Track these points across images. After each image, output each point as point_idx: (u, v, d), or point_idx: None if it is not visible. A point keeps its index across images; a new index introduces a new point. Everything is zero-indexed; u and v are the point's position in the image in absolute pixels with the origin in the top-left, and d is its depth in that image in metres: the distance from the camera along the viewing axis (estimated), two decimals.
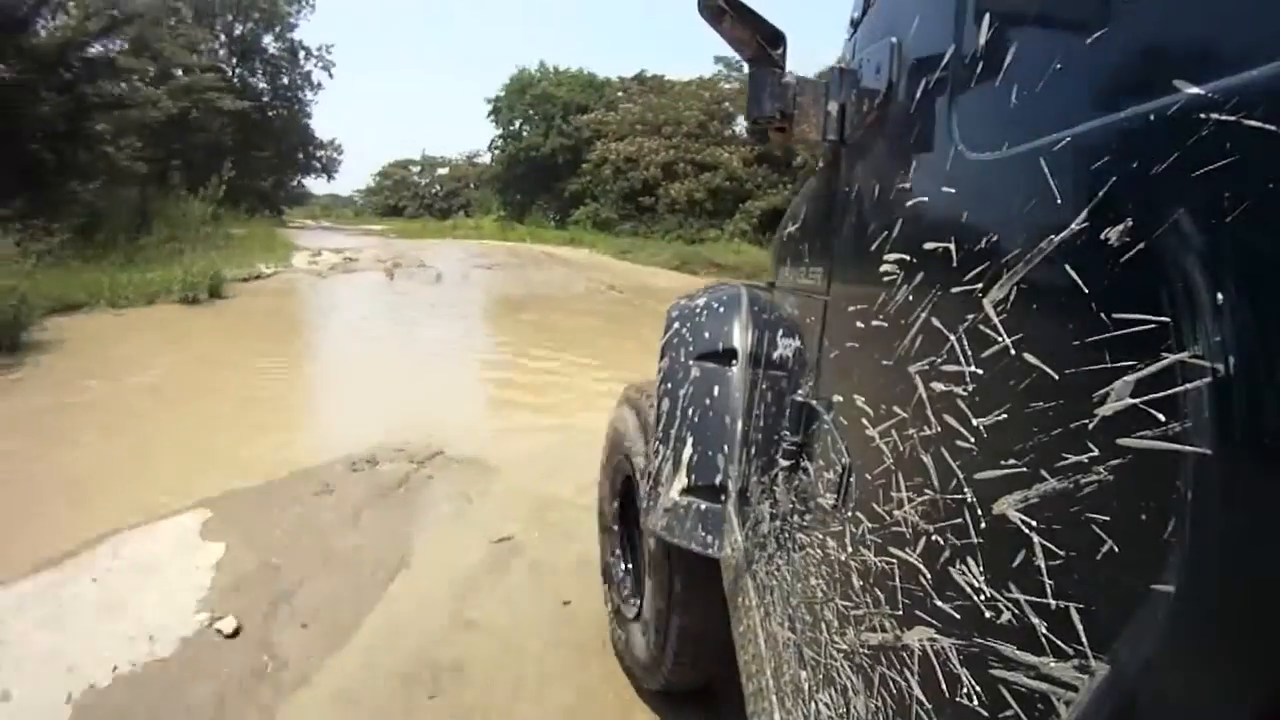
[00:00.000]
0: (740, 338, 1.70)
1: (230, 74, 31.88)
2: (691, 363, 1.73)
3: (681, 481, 1.64)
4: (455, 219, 42.12)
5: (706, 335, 1.74)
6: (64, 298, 8.75)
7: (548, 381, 6.32)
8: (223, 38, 33.08)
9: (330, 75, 49.28)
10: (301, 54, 36.45)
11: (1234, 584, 0.40)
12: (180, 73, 20.19)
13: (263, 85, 35.28)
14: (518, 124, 36.48)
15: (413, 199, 55.78)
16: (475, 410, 5.51)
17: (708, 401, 1.66)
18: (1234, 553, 0.40)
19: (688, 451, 1.64)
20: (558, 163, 33.30)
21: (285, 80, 36.45)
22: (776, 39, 1.21)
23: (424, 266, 16.71)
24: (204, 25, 29.36)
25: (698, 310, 1.82)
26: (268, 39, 35.06)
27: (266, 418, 4.97)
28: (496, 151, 39.02)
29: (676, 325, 1.81)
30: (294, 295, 11.87)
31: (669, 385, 1.73)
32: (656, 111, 28.62)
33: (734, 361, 1.68)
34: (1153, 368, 0.45)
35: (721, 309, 1.79)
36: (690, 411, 1.67)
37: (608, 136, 30.04)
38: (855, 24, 1.24)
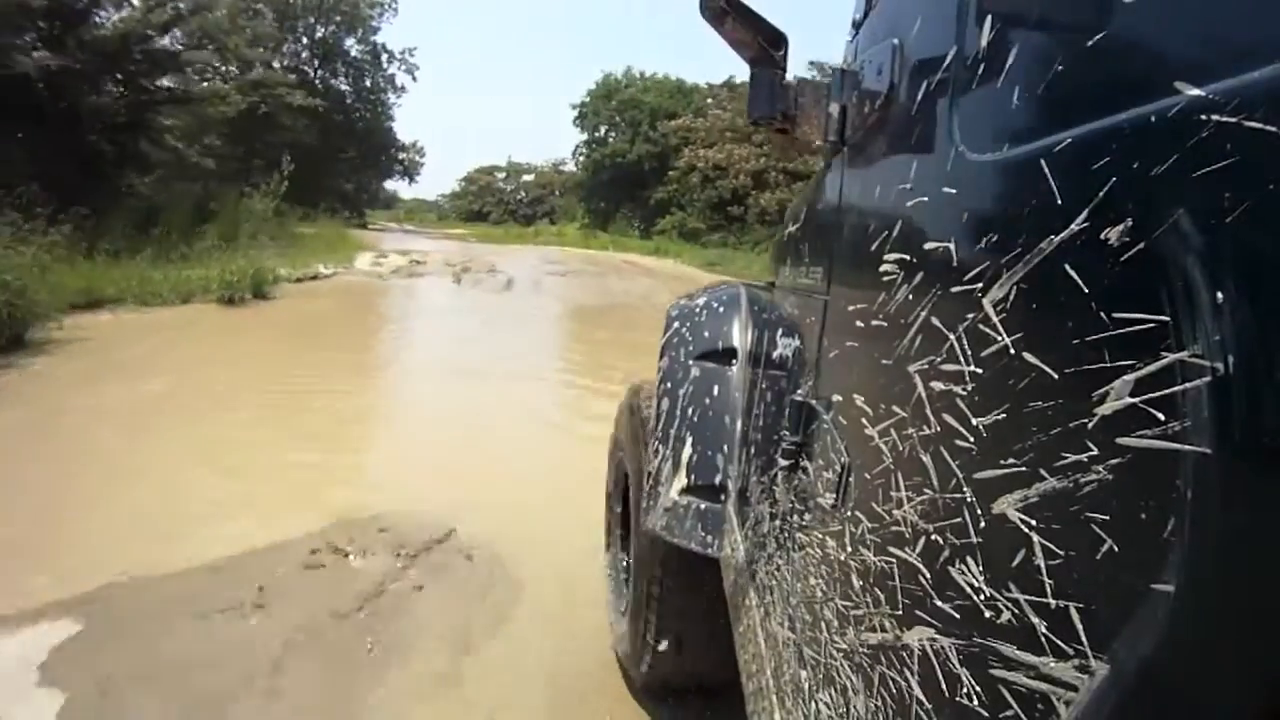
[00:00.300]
0: (740, 337, 1.74)
1: (312, 75, 33.03)
2: (691, 362, 1.77)
3: (681, 481, 1.67)
4: (538, 225, 42.51)
5: (706, 335, 1.79)
6: (91, 292, 8.45)
7: None
8: (304, 40, 34.25)
9: (414, 78, 49.15)
10: (384, 57, 37.08)
11: (1234, 584, 0.41)
12: (250, 69, 19.90)
13: (345, 87, 36.03)
14: (603, 130, 36.58)
15: (497, 205, 56.77)
16: (514, 469, 4.16)
17: (707, 401, 1.70)
18: (1234, 553, 0.41)
19: (687, 451, 1.68)
20: (643, 170, 33.08)
21: (368, 83, 37.09)
22: (778, 40, 1.25)
23: (495, 272, 16.16)
24: (285, 28, 30.39)
25: (697, 310, 1.87)
26: (350, 41, 35.80)
27: (243, 461, 4.05)
28: (581, 158, 39.17)
29: (676, 325, 1.86)
30: (343, 300, 11.37)
31: (668, 385, 1.77)
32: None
33: (734, 361, 1.72)
34: (1152, 367, 0.45)
35: (721, 309, 1.83)
36: (690, 411, 1.71)
37: (696, 143, 29.67)
38: (857, 25, 1.26)
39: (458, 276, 15.06)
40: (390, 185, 48.96)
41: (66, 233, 9.33)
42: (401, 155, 41.55)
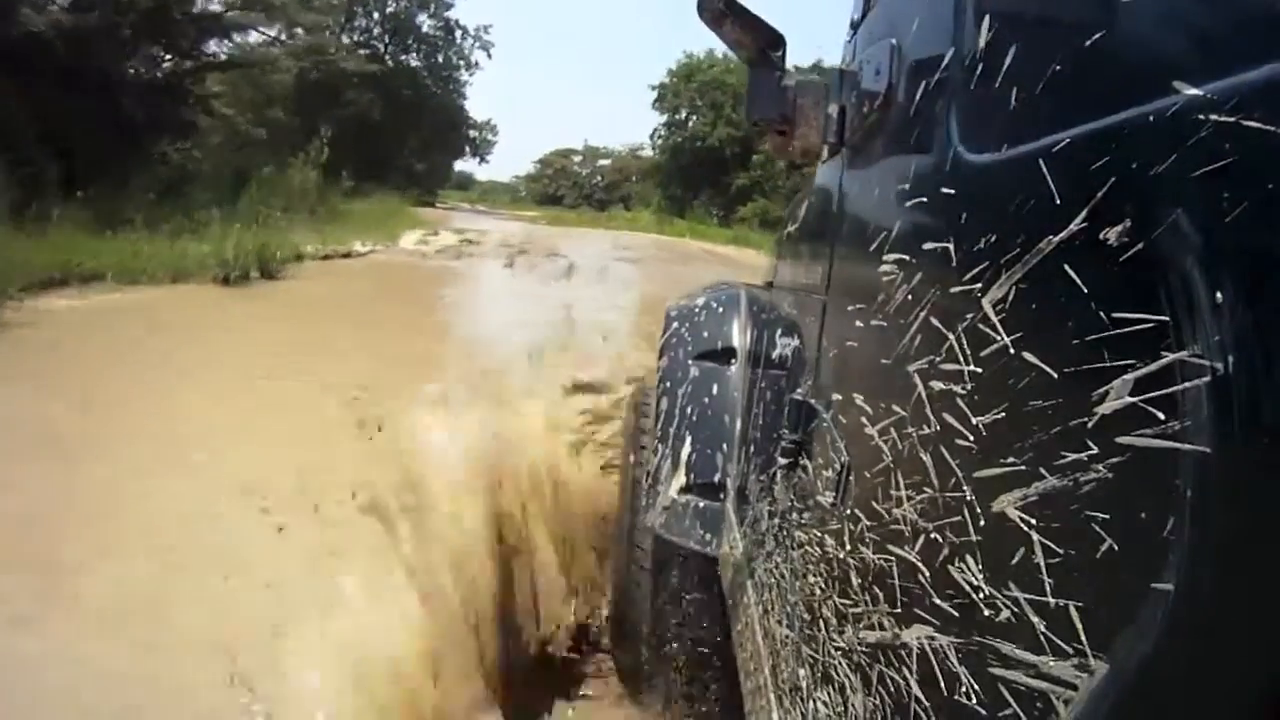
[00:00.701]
0: (739, 337, 1.81)
1: (383, 51, 32.88)
2: (690, 362, 1.84)
3: (680, 480, 1.73)
4: (612, 211, 41.50)
5: (706, 335, 1.87)
6: (70, 267, 7.55)
7: None
8: (375, 15, 33.83)
9: (489, 55, 44.33)
10: (458, 33, 36.17)
11: (1234, 584, 0.42)
12: (303, 33, 19.30)
13: (416, 63, 35.26)
14: (683, 112, 35.49)
15: (572, 188, 56.66)
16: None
17: (706, 400, 1.77)
18: (1234, 553, 0.42)
19: (686, 450, 1.75)
20: (725, 155, 32.08)
21: (440, 59, 36.17)
22: (776, 41, 1.29)
23: (556, 257, 14.90)
24: (355, 1, 30.14)
25: (697, 310, 1.94)
26: (422, 17, 34.99)
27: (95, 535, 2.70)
28: (659, 141, 38.12)
29: (676, 325, 1.94)
30: (367, 281, 10.49)
31: (668, 384, 1.85)
32: None
33: (733, 361, 1.80)
34: (1152, 367, 0.46)
35: (721, 309, 1.91)
36: (689, 410, 1.78)
37: None
38: (855, 26, 1.33)
39: (511, 259, 13.83)
40: (465, 166, 48.37)
41: (75, 202, 8.87)
42: (473, 134, 40.87)
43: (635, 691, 2.24)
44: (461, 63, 36.93)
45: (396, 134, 29.50)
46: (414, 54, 35.34)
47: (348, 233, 14.00)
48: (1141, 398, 0.47)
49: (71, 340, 5.61)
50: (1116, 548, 0.49)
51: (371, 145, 24.91)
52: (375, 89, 25.72)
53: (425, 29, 35.44)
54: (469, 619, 2.25)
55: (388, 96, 27.55)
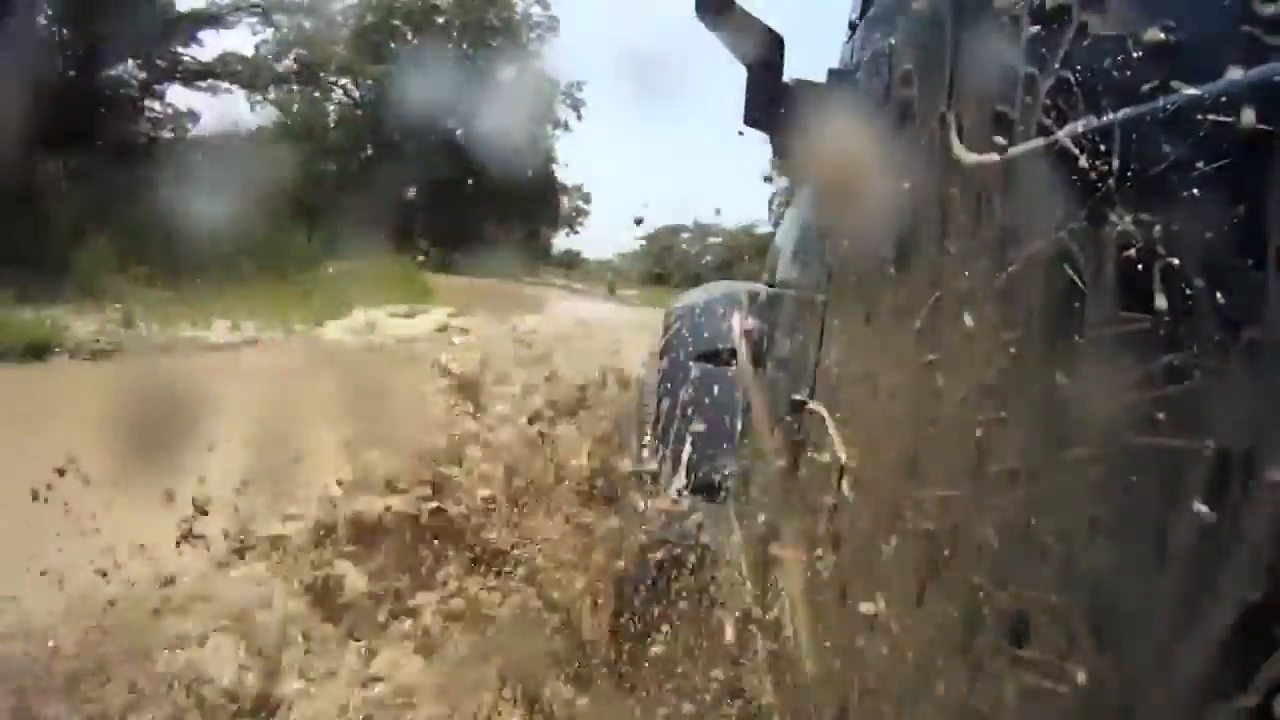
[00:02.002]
0: (739, 338, 1.85)
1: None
2: (691, 363, 1.87)
3: (680, 480, 1.76)
4: None
5: (706, 335, 1.91)
6: None
7: None
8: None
9: (579, 116, 36.26)
10: (545, 86, 31.47)
11: (1234, 584, 0.41)
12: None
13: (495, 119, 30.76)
14: None
15: (678, 268, 55.32)
16: None
17: (706, 401, 1.80)
18: (1234, 553, 0.41)
19: (686, 450, 1.77)
20: None
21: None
22: (774, 42, 1.30)
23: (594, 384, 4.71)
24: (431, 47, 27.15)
25: (697, 311, 1.98)
26: (507, 69, 30.13)
27: None
28: (777, 209, 36.36)
29: (676, 326, 1.97)
30: (173, 392, 4.92)
31: (669, 385, 1.88)
32: None
33: (733, 361, 1.83)
34: (1152, 367, 0.46)
35: (721, 310, 1.95)
36: (689, 411, 1.80)
37: None
38: (854, 26, 1.33)
39: (497, 381, 5.28)
40: (573, 244, 43.80)
41: None
42: (563, 200, 35.75)
43: (632, 685, 2.16)
44: (549, 123, 31.78)
45: (467, 197, 24.62)
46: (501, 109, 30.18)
47: (284, 306, 11.03)
48: (1142, 398, 0.47)
49: None
50: (1116, 549, 0.50)
51: (449, 209, 22.73)
52: (450, 146, 23.86)
53: (508, 81, 30.54)
54: None
55: (452, 154, 24.76)
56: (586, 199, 38.73)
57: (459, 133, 24.74)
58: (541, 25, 29.45)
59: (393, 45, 22.12)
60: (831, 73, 1.27)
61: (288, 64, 18.20)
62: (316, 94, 22.49)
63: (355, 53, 20.98)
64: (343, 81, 22.49)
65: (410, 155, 22.35)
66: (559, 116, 32.34)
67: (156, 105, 14.87)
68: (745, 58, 1.28)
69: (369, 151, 22.30)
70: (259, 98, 19.48)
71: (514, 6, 28.65)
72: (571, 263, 53.75)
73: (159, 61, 13.31)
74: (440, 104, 23.79)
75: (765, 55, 1.26)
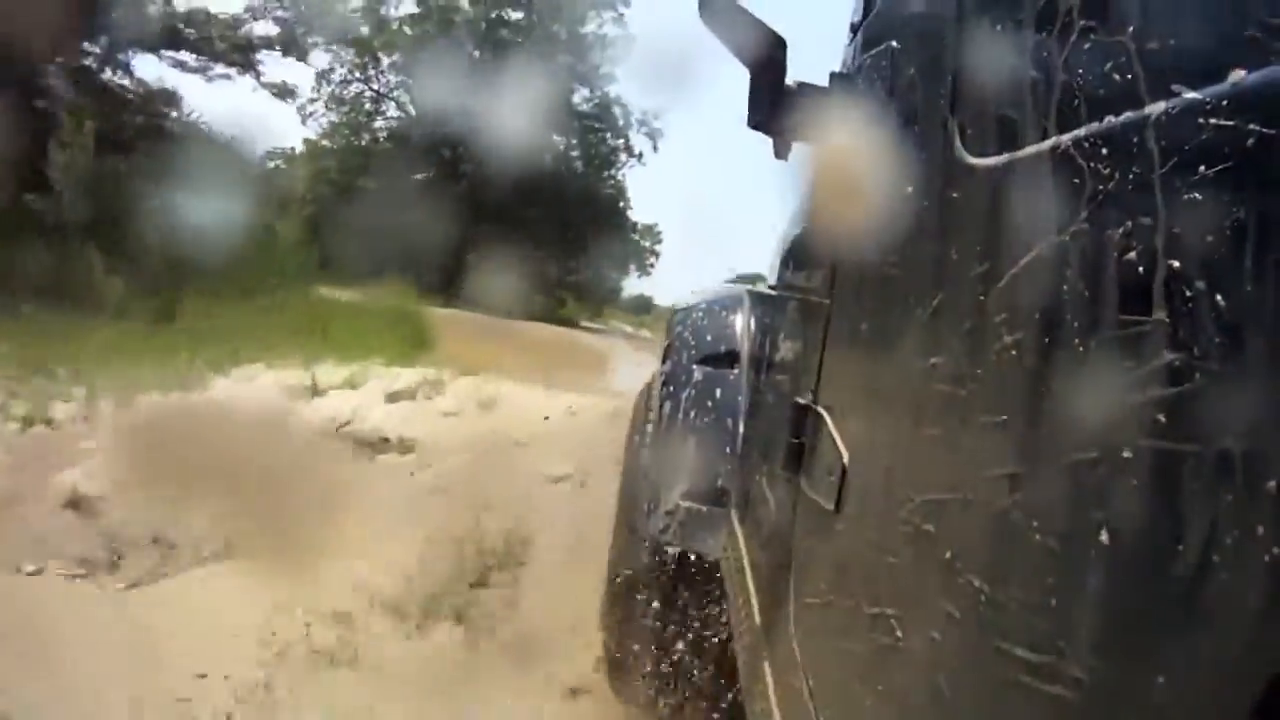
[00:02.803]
0: (742, 341, 1.85)
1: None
2: (694, 366, 1.88)
3: (683, 485, 1.76)
4: None
5: (709, 339, 1.91)
6: None
7: None
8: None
9: (655, 148, 30.27)
10: (619, 114, 26.90)
11: (1234, 584, 0.42)
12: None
13: (561, 147, 26.40)
14: None
15: None
16: None
17: (709, 404, 1.81)
18: (1234, 553, 0.41)
19: (689, 454, 1.78)
20: None
21: (595, 144, 27.57)
22: (777, 45, 1.29)
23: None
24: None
25: (700, 314, 1.98)
26: (582, 92, 26.32)
27: None
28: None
29: (679, 329, 1.97)
30: None
31: (671, 389, 1.88)
32: None
33: (736, 365, 1.83)
34: (1152, 367, 0.47)
35: (723, 313, 1.95)
36: (692, 415, 1.81)
37: None
38: (855, 28, 1.33)
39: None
40: (646, 288, 34.95)
41: None
42: (633, 238, 30.17)
43: (630, 690, 2.18)
44: (624, 153, 27.31)
45: (526, 229, 21.68)
46: (566, 136, 26.14)
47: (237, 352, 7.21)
48: (1142, 398, 0.47)
49: None
50: (1117, 549, 0.49)
51: (502, 239, 18.93)
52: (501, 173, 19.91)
53: (583, 108, 26.50)
54: None
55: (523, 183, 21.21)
56: (658, 239, 32.38)
57: (511, 156, 20.21)
58: (616, 44, 25.31)
59: (450, 61, 20.90)
60: (834, 76, 1.28)
61: (342, 74, 18.04)
62: (369, 110, 22.01)
63: (412, 69, 20.56)
64: (397, 93, 21.91)
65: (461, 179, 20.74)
66: (633, 146, 27.72)
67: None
68: (748, 60, 1.28)
69: (420, 175, 20.41)
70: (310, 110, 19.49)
71: (585, 20, 24.70)
72: (644, 307, 44.93)
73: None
74: (495, 127, 19.62)
75: (768, 58, 1.26)
